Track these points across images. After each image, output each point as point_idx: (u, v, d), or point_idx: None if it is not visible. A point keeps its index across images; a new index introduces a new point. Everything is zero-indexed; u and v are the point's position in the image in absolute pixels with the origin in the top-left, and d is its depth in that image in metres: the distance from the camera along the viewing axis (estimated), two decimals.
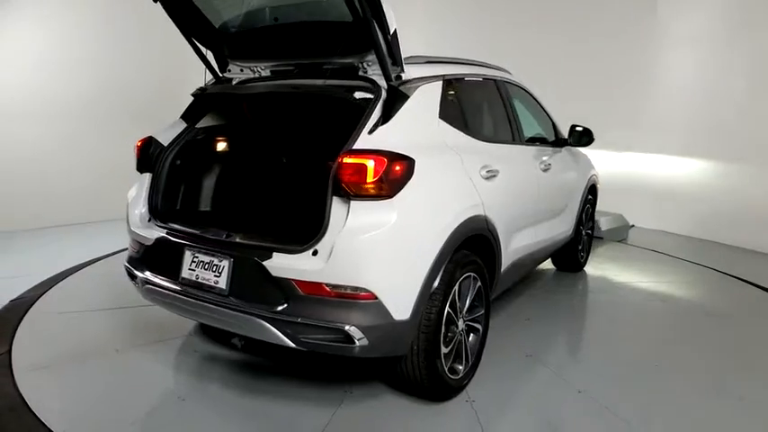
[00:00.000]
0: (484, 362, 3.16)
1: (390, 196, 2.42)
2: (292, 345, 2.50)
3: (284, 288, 2.48)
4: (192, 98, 3.28)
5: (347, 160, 2.42)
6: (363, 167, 2.40)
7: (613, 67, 7.75)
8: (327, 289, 2.42)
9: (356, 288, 2.40)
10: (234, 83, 3.34)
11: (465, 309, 2.96)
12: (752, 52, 6.77)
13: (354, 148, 2.47)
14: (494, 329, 3.54)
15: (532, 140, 4.13)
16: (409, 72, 2.83)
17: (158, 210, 3.11)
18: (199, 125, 3.32)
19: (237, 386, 3.01)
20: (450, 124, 3.03)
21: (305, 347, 2.51)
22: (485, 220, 3.02)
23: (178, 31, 3.12)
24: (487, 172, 3.12)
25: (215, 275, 2.68)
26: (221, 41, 3.24)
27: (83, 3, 6.60)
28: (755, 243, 6.72)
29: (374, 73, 2.86)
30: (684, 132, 7.39)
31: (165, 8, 2.97)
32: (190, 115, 3.34)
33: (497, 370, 3.23)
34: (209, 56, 3.30)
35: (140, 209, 3.13)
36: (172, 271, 2.83)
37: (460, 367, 2.95)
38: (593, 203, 5.52)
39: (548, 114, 4.58)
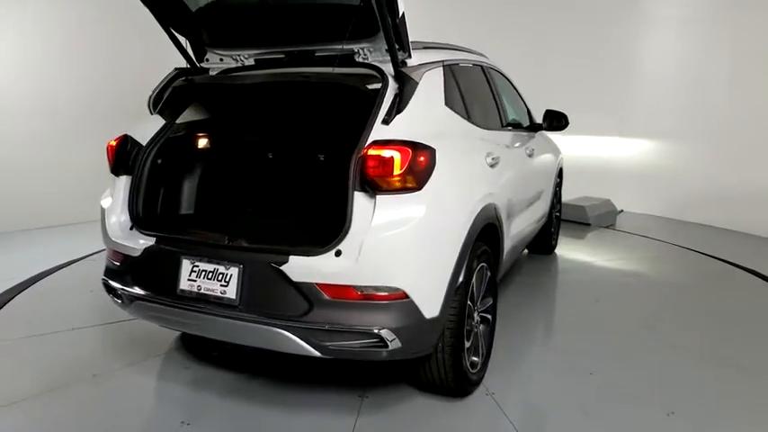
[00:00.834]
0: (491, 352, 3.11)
1: (419, 188, 2.28)
2: (317, 354, 2.32)
3: (307, 293, 2.29)
4: (171, 90, 2.98)
5: (372, 152, 2.26)
6: (389, 159, 2.24)
7: (597, 51, 7.69)
8: (356, 291, 2.26)
9: (387, 288, 2.26)
10: (213, 74, 3.08)
11: (479, 300, 2.88)
12: (737, 36, 6.78)
13: (377, 139, 2.31)
14: None
15: (511, 126, 4.10)
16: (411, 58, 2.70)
17: (141, 216, 2.81)
18: (180, 120, 3.03)
19: (244, 400, 2.78)
20: (455, 111, 2.92)
21: (331, 355, 2.34)
22: (494, 208, 2.95)
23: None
24: (492, 159, 3.04)
25: (221, 285, 2.44)
26: (199, 27, 2.96)
27: (69, 3, 6.60)
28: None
29: (375, 59, 2.71)
30: (669, 116, 7.38)
31: None
32: (168, 109, 3.04)
33: (506, 359, 3.18)
34: (187, 46, 3.02)
35: (119, 216, 2.81)
36: (167, 283, 2.56)
37: (477, 360, 2.87)
38: (561, 186, 5.61)
39: (522, 99, 4.57)
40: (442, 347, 2.54)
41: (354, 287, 2.25)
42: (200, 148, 3.27)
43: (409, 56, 2.63)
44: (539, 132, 4.61)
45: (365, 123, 2.38)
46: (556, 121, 4.44)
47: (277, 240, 2.53)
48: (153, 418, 2.71)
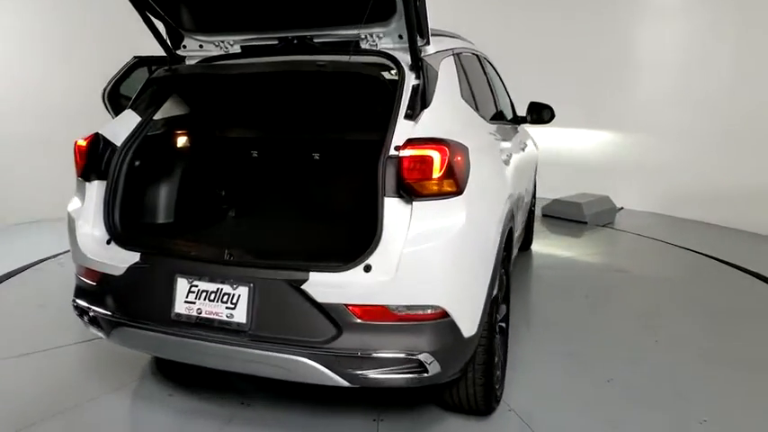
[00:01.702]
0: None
1: (459, 192, 2.04)
2: (346, 384, 2.05)
3: (334, 316, 2.01)
4: (149, 83, 2.58)
5: (407, 152, 1.99)
6: (427, 160, 1.99)
7: (592, 37, 7.28)
8: (391, 312, 2.00)
9: (427, 306, 2.01)
10: (191, 62, 2.71)
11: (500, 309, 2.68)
12: (741, 26, 6.41)
13: (412, 137, 2.04)
14: None
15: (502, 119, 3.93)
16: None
17: (119, 228, 2.41)
18: (158, 116, 2.63)
19: (247, 429, 2.46)
20: (468, 104, 2.69)
21: (362, 384, 2.07)
22: (512, 210, 2.76)
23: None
24: (506, 156, 2.85)
25: (227, 307, 2.11)
26: (177, 9, 2.57)
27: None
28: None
29: (384, 46, 2.45)
30: (673, 108, 6.91)
31: None
32: (143, 104, 2.64)
33: (515, 368, 3.01)
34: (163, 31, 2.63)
35: (93, 228, 2.41)
36: (158, 307, 2.20)
37: (498, 373, 2.68)
38: (536, 180, 5.53)
39: (506, 89, 4.40)
40: (473, 366, 2.33)
41: (390, 307, 1.99)
42: (184, 148, 2.88)
43: (428, 42, 2.38)
44: (520, 125, 4.47)
45: (380, 118, 2.11)
46: (541, 114, 4.30)
47: (290, 254, 2.21)
48: None
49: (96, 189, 2.45)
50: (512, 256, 3.07)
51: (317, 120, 2.90)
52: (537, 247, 5.52)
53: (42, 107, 6.29)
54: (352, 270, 2.01)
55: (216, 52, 2.74)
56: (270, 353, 2.05)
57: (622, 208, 7.14)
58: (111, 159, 2.46)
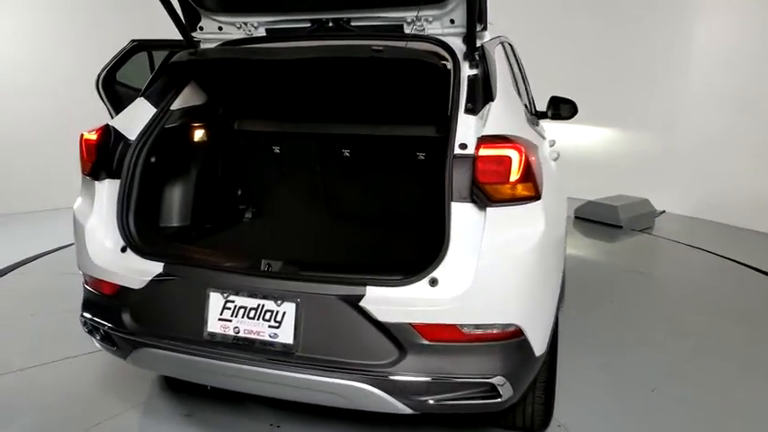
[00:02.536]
0: None
1: (538, 197, 1.82)
2: (408, 411, 1.82)
3: (397, 336, 1.77)
4: (167, 68, 2.29)
5: (484, 152, 1.76)
6: (505, 161, 1.76)
7: (635, 34, 6.70)
8: (462, 331, 1.77)
9: (501, 325, 1.79)
10: (207, 47, 2.43)
11: None
12: None
13: (486, 134, 1.81)
14: None
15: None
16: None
17: (134, 234, 2.12)
18: (176, 106, 2.34)
19: None
20: (519, 97, 2.48)
21: (425, 411, 1.84)
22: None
23: None
24: (557, 155, 2.64)
25: (271, 326, 1.86)
26: None
27: None
28: None
29: (432, 32, 2.22)
30: (718, 110, 6.35)
31: None
32: (158, 92, 2.34)
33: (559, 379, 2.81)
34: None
35: (106, 234, 2.11)
36: (188, 324, 1.94)
37: None
38: None
39: (527, 82, 4.19)
40: (534, 384, 2.12)
41: (461, 326, 1.77)
42: (201, 142, 2.59)
43: (485, 28, 2.15)
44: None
45: (425, 112, 1.89)
46: (562, 109, 4.09)
47: (340, 265, 1.96)
48: None
49: (107, 189, 2.16)
50: None
51: (354, 112, 2.62)
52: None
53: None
54: (416, 284, 1.77)
55: (237, 35, 2.46)
56: (321, 378, 1.80)
57: (664, 211, 6.58)
58: (124, 155, 2.16)
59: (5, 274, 4.28)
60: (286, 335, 1.84)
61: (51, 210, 5.97)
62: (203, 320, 1.91)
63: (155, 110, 2.29)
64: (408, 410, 1.81)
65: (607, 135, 7.08)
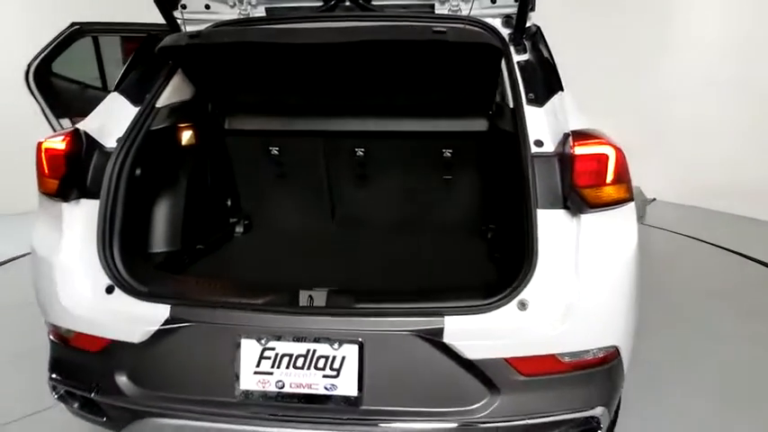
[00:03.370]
0: None
1: (631, 199, 1.59)
2: None
3: (489, 374, 1.47)
4: (148, 55, 1.82)
5: (583, 150, 1.50)
6: (603, 159, 1.52)
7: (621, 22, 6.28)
8: (563, 360, 1.50)
9: (602, 349, 1.54)
10: (190, 29, 1.98)
11: None
12: None
13: (578, 129, 1.56)
14: None
15: None
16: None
17: (122, 269, 1.65)
18: (161, 103, 1.87)
19: None
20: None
21: None
22: None
23: None
24: None
25: (326, 375, 1.49)
26: None
27: None
28: None
29: (473, 12, 1.97)
30: (714, 88, 5.97)
31: None
32: (137, 85, 1.87)
33: None
34: None
35: (82, 273, 1.63)
36: (212, 382, 1.53)
37: None
38: None
39: None
40: None
41: (560, 355, 1.50)
42: (189, 146, 2.11)
43: (533, 8, 1.90)
44: None
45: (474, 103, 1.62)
46: None
47: (401, 292, 1.62)
48: None
49: (81, 213, 1.67)
50: None
51: (373, 104, 2.23)
52: None
53: None
54: (501, 309, 1.48)
55: (228, 16, 2.03)
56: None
57: (654, 199, 6.28)
58: (101, 167, 1.68)
59: None
60: (347, 385, 1.48)
61: None
62: (234, 376, 1.50)
63: (135, 108, 1.82)
64: None
65: (595, 122, 7.04)
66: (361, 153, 2.34)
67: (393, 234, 2.46)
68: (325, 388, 1.48)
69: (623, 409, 1.90)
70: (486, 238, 2.36)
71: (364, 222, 2.51)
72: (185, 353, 1.54)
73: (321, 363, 1.49)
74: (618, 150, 1.53)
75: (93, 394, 1.58)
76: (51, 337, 1.72)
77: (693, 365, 2.76)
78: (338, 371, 1.48)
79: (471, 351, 1.45)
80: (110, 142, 1.73)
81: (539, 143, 1.61)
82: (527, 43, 1.92)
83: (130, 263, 1.67)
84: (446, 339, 1.44)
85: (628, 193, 1.56)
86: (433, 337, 1.45)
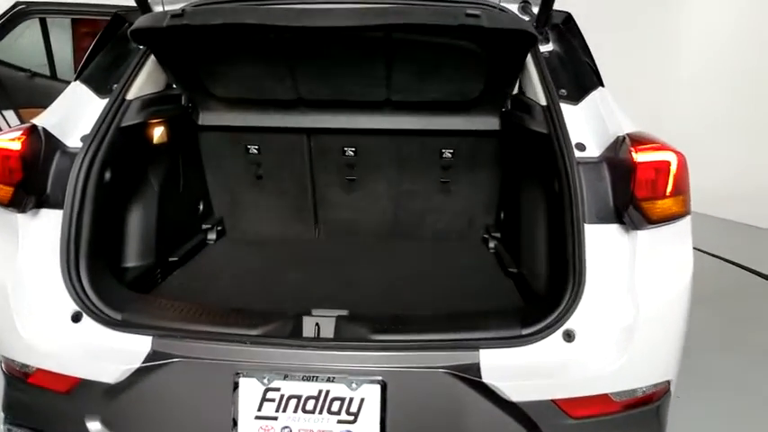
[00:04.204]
0: None
1: (688, 212, 1.39)
2: None
3: (534, 418, 1.27)
4: (129, 37, 1.54)
5: (645, 157, 1.29)
6: (663, 168, 1.31)
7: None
8: (617, 400, 1.31)
9: (657, 384, 1.35)
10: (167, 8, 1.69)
11: None
12: None
13: (633, 132, 1.36)
14: None
15: None
16: None
17: (91, 293, 1.38)
18: (132, 95, 1.58)
19: None
20: None
21: None
22: None
23: None
24: None
25: (342, 421, 1.26)
26: None
27: None
28: None
29: None
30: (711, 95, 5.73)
31: None
32: (102, 75, 1.59)
33: None
34: None
35: (42, 297, 1.36)
36: (205, 429, 1.28)
37: None
38: None
39: None
40: None
41: (614, 395, 1.30)
42: (165, 144, 1.83)
43: None
44: None
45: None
46: None
47: (421, 318, 1.39)
48: None
49: (41, 225, 1.39)
50: None
51: (369, 97, 1.95)
52: None
53: None
54: (546, 341, 1.27)
55: None
56: None
57: None
58: (64, 171, 1.40)
59: None
60: (368, 430, 1.25)
61: None
62: (231, 421, 1.26)
63: (101, 100, 1.54)
64: None
65: None
66: (352, 153, 2.09)
67: (384, 244, 2.25)
68: None
69: None
70: (487, 247, 2.17)
71: (352, 230, 2.28)
72: (171, 395, 1.29)
73: (336, 406, 1.26)
74: (680, 157, 1.33)
75: None
76: (4, 370, 1.44)
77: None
78: (356, 415, 1.25)
79: (515, 392, 1.24)
80: (73, 141, 1.45)
81: (580, 147, 1.41)
82: (550, 33, 1.70)
83: (100, 284, 1.40)
84: (485, 378, 1.23)
85: (685, 207, 1.36)
86: (470, 375, 1.23)
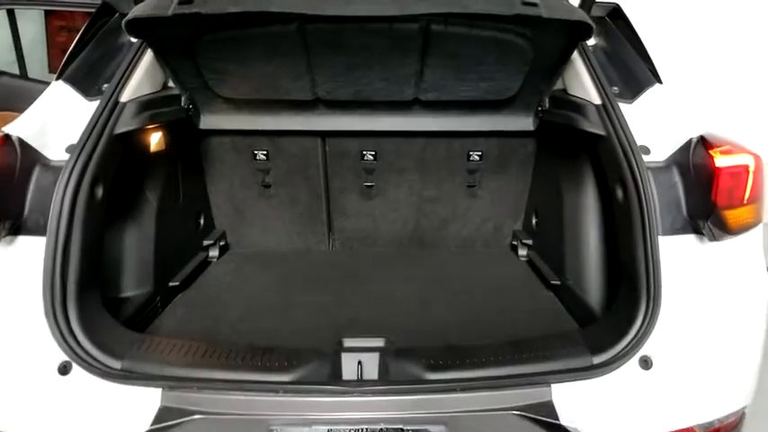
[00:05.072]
0: None
1: (760, 221, 1.28)
2: None
3: None
4: (126, 29, 1.31)
5: (726, 161, 1.17)
6: (742, 173, 1.19)
7: None
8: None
9: (738, 411, 1.23)
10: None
11: None
12: None
13: (706, 134, 1.23)
14: None
15: None
16: None
17: (85, 335, 1.14)
18: (126, 96, 1.35)
19: None
20: None
21: None
22: None
23: None
24: None
25: None
26: None
27: None
28: None
29: None
30: None
31: None
32: (89, 73, 1.37)
33: None
34: None
35: (23, 347, 1.12)
36: None
37: None
38: None
39: None
40: None
41: (699, 426, 1.16)
42: (163, 152, 1.60)
43: None
44: None
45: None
46: None
47: (479, 349, 1.22)
48: None
49: (19, 255, 1.15)
50: None
51: (392, 96, 1.76)
52: None
53: None
54: (620, 370, 1.12)
55: None
56: None
57: None
58: (45, 189, 1.17)
59: None
60: None
61: None
62: None
63: (90, 103, 1.31)
64: None
65: None
66: (371, 156, 1.90)
67: (405, 254, 2.06)
68: None
69: None
70: (517, 255, 2.01)
71: (369, 240, 2.08)
72: None
73: None
74: (758, 160, 1.21)
75: None
76: None
77: None
78: None
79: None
80: (57, 153, 1.22)
81: (644, 150, 1.27)
82: (596, 27, 1.58)
83: (93, 324, 1.17)
84: (563, 420, 1.06)
85: (759, 215, 1.24)
86: (544, 417, 1.06)
